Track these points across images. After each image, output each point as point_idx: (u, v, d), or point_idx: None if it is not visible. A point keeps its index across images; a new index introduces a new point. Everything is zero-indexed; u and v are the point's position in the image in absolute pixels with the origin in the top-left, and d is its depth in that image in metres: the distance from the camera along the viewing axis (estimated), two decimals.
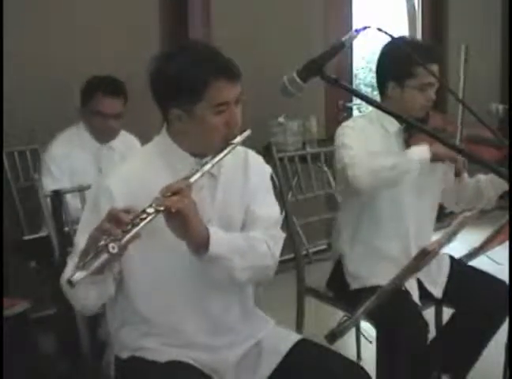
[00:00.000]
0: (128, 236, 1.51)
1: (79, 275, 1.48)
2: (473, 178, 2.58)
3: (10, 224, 3.27)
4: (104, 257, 1.49)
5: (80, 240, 1.66)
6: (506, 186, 2.35)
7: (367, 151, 2.38)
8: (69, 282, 1.47)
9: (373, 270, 2.44)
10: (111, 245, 1.48)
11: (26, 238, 3.05)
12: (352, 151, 2.37)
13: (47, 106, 3.35)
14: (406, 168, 2.31)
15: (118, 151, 3.20)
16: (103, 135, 3.16)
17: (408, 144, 2.44)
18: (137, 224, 1.52)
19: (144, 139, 1.94)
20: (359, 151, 2.37)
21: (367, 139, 2.43)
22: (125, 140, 3.26)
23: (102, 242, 1.50)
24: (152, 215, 1.55)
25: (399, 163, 2.31)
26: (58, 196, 2.19)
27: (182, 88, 1.70)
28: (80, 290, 1.60)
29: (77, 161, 3.12)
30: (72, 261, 1.66)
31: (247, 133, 1.78)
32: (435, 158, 2.31)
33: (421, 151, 2.30)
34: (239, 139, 1.75)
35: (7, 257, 2.85)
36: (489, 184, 2.50)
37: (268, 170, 1.97)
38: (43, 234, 2.77)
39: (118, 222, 1.53)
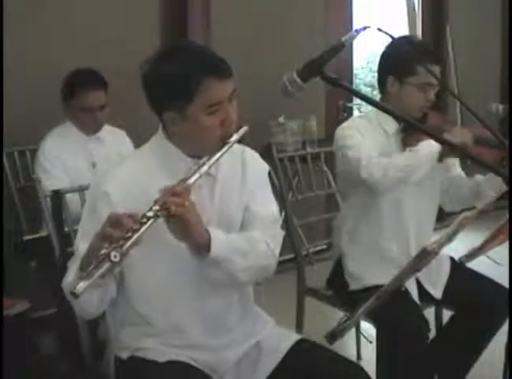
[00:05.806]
0: (129, 243, 1.49)
1: (82, 285, 1.45)
2: (471, 179, 2.58)
3: (10, 224, 3.27)
4: (106, 265, 1.47)
5: (81, 245, 1.67)
6: (504, 186, 2.35)
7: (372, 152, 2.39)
8: (73, 293, 1.45)
9: (373, 270, 2.44)
10: (113, 253, 1.46)
11: (26, 238, 3.04)
12: (358, 152, 2.37)
13: (47, 106, 3.35)
14: (418, 164, 2.34)
15: (106, 143, 3.27)
16: (91, 127, 3.22)
17: (405, 143, 2.44)
18: (138, 230, 1.51)
19: (143, 138, 1.93)
20: (367, 151, 2.37)
21: (365, 139, 2.43)
22: (114, 134, 3.33)
23: (103, 251, 1.48)
24: (152, 220, 1.53)
25: (411, 159, 2.35)
26: (58, 196, 2.19)
27: (173, 90, 1.67)
28: (83, 297, 1.55)
29: (69, 157, 3.17)
30: (73, 266, 1.65)
31: (244, 129, 1.75)
32: (444, 152, 2.33)
33: (429, 145, 2.32)
34: (235, 137, 1.73)
35: (7, 257, 2.84)
36: (488, 184, 2.50)
37: (265, 167, 1.95)
38: (43, 234, 2.77)
39: (120, 227, 1.51)
